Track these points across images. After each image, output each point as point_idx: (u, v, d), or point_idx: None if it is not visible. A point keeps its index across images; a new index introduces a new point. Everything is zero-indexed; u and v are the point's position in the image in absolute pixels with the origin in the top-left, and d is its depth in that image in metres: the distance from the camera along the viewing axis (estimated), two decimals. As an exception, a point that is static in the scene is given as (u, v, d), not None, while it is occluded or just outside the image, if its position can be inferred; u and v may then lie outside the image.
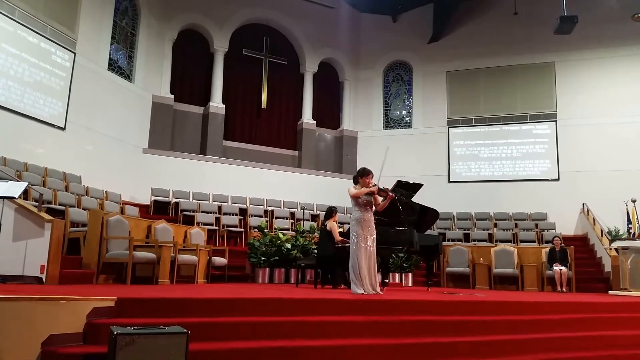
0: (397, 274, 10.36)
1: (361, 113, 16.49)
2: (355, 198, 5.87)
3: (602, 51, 14.31)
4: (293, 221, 12.71)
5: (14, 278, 5.51)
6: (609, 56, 14.27)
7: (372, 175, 5.96)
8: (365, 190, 5.85)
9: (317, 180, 14.81)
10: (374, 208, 6.06)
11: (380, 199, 6.09)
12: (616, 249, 9.55)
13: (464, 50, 15.49)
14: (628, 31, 14.08)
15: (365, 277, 5.71)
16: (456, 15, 15.59)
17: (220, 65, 14.54)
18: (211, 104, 14.24)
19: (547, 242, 12.17)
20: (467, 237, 13.15)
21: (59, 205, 8.40)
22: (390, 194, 6.14)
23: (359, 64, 16.64)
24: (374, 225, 5.95)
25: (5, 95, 9.47)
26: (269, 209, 13.16)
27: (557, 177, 14.33)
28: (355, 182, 6.07)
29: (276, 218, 12.67)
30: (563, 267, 9.93)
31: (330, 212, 7.80)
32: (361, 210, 5.88)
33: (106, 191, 10.59)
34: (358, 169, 6.09)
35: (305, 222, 11.66)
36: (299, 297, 4.64)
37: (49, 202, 8.30)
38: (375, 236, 5.93)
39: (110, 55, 12.19)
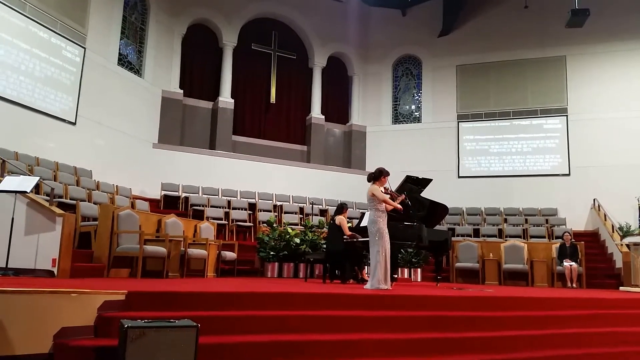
0: (406, 269, 10.34)
1: (370, 108, 16.43)
2: (380, 197, 5.91)
3: (614, 44, 14.13)
4: (302, 216, 12.73)
5: (26, 271, 5.58)
6: (621, 50, 14.09)
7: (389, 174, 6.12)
8: (392, 202, 5.98)
9: (325, 175, 14.81)
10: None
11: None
12: (627, 245, 9.47)
13: (473, 44, 15.37)
14: (641, 24, 13.90)
15: (388, 272, 5.79)
16: (466, 8, 15.47)
17: (229, 60, 14.55)
18: (220, 98, 14.26)
19: (557, 237, 12.10)
20: (476, 233, 13.10)
21: (70, 199, 8.47)
22: (402, 196, 6.32)
23: (368, 58, 16.57)
24: None
25: (16, 91, 9.54)
26: (278, 203, 13.19)
27: (567, 172, 14.21)
28: (371, 180, 6.06)
29: (285, 213, 12.70)
30: (573, 263, 9.86)
31: (341, 208, 7.81)
32: (382, 208, 5.93)
33: (117, 185, 10.66)
34: (377, 168, 6.12)
35: (314, 216, 11.67)
36: (308, 291, 4.65)
37: (60, 197, 8.37)
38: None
39: (119, 50, 12.24)
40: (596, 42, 14.21)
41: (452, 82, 15.66)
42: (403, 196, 6.40)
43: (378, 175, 6.03)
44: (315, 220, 11.10)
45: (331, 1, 15.94)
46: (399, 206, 6.06)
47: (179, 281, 6.48)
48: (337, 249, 7.45)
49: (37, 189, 7.55)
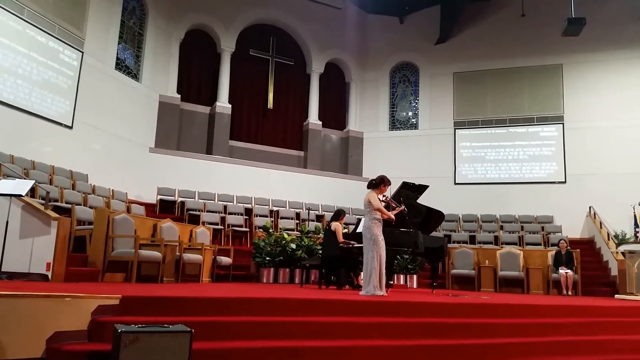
0: (401, 276, 10.33)
1: (367, 114, 16.47)
2: (375, 205, 5.92)
3: (610, 53, 14.22)
4: (298, 221, 12.72)
5: (20, 275, 5.54)
6: (617, 58, 14.17)
7: (390, 184, 6.12)
8: (386, 212, 5.99)
9: (322, 181, 14.81)
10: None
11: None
12: (623, 253, 9.49)
13: (471, 52, 15.45)
14: (636, 33, 13.98)
15: (383, 278, 5.79)
16: (463, 16, 15.53)
17: (227, 65, 14.57)
18: (218, 103, 14.27)
19: (553, 245, 12.11)
20: (472, 239, 13.10)
21: (66, 203, 8.44)
22: (401, 207, 6.38)
23: (365, 65, 16.63)
24: None
25: (13, 94, 9.52)
26: (274, 209, 13.17)
27: (563, 180, 14.25)
28: (371, 187, 6.06)
29: (281, 218, 12.68)
30: (569, 271, 9.87)
31: (338, 214, 7.80)
32: (378, 215, 5.94)
33: (112, 190, 10.63)
34: (379, 175, 6.11)
35: (310, 222, 11.66)
36: (303, 297, 4.63)
37: (56, 200, 8.34)
38: None
39: (117, 54, 12.24)
40: (592, 50, 14.30)
41: (449, 89, 15.72)
42: (402, 207, 6.41)
43: (379, 183, 6.03)
44: (311, 225, 11.09)
45: (329, 8, 16.00)
46: (392, 216, 6.06)
47: (174, 286, 6.46)
48: (333, 255, 7.44)
49: (32, 192, 7.52)
